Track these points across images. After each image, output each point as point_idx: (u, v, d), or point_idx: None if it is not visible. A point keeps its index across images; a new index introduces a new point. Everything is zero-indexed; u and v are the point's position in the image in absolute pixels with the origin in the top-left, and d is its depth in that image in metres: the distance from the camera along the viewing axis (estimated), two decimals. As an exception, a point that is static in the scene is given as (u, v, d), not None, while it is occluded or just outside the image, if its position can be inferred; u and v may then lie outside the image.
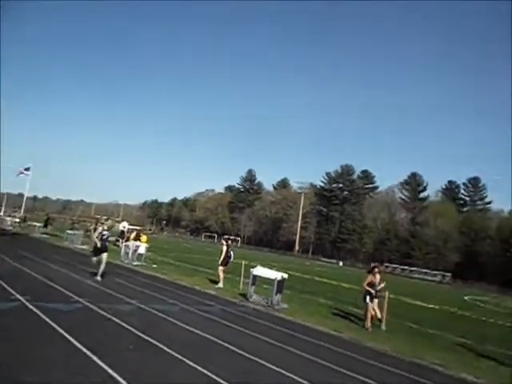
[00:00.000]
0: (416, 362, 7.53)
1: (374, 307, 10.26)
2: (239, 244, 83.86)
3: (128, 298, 9.25)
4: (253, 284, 11.69)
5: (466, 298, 31.36)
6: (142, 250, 18.39)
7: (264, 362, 5.82)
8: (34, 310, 6.90)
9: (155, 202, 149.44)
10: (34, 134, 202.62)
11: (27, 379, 4.11)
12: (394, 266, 72.28)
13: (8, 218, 35.60)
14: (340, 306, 13.02)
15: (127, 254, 18.04)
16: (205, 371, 5.01)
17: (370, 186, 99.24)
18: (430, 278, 65.91)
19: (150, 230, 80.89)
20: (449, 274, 68.09)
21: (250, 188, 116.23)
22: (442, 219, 77.92)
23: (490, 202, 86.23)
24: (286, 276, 11.76)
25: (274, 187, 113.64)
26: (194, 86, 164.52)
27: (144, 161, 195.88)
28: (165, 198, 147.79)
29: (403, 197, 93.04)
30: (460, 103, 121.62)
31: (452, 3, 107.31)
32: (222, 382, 4.76)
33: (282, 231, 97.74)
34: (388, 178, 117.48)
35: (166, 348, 5.71)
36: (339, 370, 6.14)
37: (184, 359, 5.34)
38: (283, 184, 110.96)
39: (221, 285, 13.31)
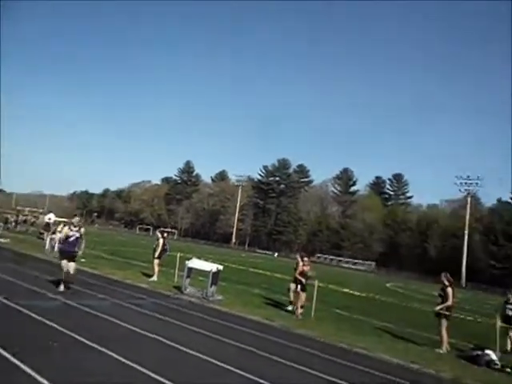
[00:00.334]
0: (342, 346, 8.07)
1: (302, 296, 10.78)
2: (176, 236, 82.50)
3: (52, 294, 8.77)
4: (188, 276, 11.66)
5: (387, 285, 33.95)
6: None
7: (194, 352, 5.88)
8: None
9: (85, 192, 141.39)
10: None
11: None
12: (325, 256, 75.83)
13: None
14: (273, 295, 13.45)
15: (53, 247, 17.01)
16: (133, 364, 4.96)
17: (305, 179, 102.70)
18: (357, 267, 70.20)
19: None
20: (373, 263, 73.13)
21: (187, 180, 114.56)
22: (369, 212, 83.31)
23: (411, 197, 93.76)
24: (221, 268, 11.89)
25: (213, 179, 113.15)
26: (132, 71, 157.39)
27: (72, 148, 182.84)
28: (96, 189, 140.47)
29: (335, 191, 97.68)
30: (389, 100, 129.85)
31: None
32: (148, 373, 4.76)
33: (220, 223, 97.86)
34: (322, 173, 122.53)
35: (94, 344, 5.54)
36: (270, 356, 6.40)
37: (113, 354, 5.23)
38: (221, 176, 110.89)
39: (155, 278, 13.10)
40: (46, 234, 21.33)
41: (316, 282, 11.04)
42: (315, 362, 6.58)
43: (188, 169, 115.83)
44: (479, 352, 8.52)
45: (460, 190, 72.47)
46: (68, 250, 9.58)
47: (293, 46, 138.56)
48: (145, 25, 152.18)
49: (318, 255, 74.85)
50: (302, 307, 10.68)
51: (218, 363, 5.57)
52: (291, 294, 11.34)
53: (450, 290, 9.09)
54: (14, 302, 7.32)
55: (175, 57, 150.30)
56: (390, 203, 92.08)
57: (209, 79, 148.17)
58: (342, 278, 32.97)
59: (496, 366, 8.14)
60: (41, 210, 67.19)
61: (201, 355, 5.80)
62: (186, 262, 11.80)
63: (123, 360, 5.08)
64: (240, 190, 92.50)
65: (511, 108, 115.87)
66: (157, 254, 13.56)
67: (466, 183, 70.91)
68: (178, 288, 11.73)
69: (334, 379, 5.76)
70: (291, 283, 11.54)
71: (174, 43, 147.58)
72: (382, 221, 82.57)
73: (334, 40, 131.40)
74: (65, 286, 9.31)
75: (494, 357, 8.35)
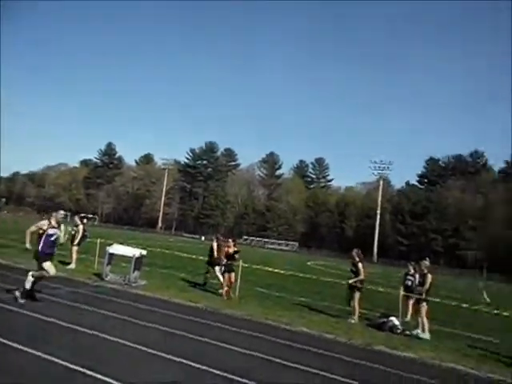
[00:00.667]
0: (266, 322, 8.45)
1: (231, 276, 11.02)
2: (97, 222, 78.32)
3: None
4: (109, 263, 11.22)
5: (308, 263, 35.92)
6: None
7: (115, 339, 5.77)
8: None
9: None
10: None
11: None
12: (252, 238, 77.58)
13: None
14: (198, 278, 13.53)
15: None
16: (46, 356, 4.74)
17: (233, 163, 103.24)
18: (281, 247, 72.97)
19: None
20: (296, 243, 76.58)
21: (109, 163, 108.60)
22: (293, 195, 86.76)
23: (331, 180, 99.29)
24: (144, 253, 11.62)
25: (137, 162, 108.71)
26: (41, 45, 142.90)
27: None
28: (2, 172, 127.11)
29: (262, 174, 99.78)
30: (312, 86, 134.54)
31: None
32: (62, 362, 4.61)
33: (145, 208, 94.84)
34: (249, 157, 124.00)
35: (4, 340, 5.17)
36: (194, 337, 6.50)
37: (23, 348, 4.93)
38: (147, 159, 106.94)
39: (73, 266, 12.41)
40: None
41: (240, 263, 11.33)
42: (241, 339, 6.82)
43: (110, 151, 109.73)
44: (385, 319, 9.50)
45: (373, 174, 78.42)
46: None
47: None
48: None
49: (245, 237, 76.39)
50: (229, 287, 10.90)
51: (142, 348, 5.53)
52: (219, 276, 11.55)
53: (360, 265, 9.92)
54: None
55: (86, 32, 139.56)
56: (312, 186, 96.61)
57: (132, 54, 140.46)
58: (266, 258, 34.09)
59: (398, 331, 9.15)
60: None
61: (123, 341, 5.71)
62: (107, 247, 11.34)
63: (34, 352, 4.82)
64: (166, 174, 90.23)
65: (422, 97, 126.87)
66: (76, 241, 12.87)
67: (378, 167, 76.81)
68: (99, 275, 11.27)
69: (258, 354, 6.05)
70: (215, 266, 11.77)
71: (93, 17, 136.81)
72: (305, 203, 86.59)
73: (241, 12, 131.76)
74: None
75: (396, 322, 9.37)
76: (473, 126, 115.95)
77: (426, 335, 9.03)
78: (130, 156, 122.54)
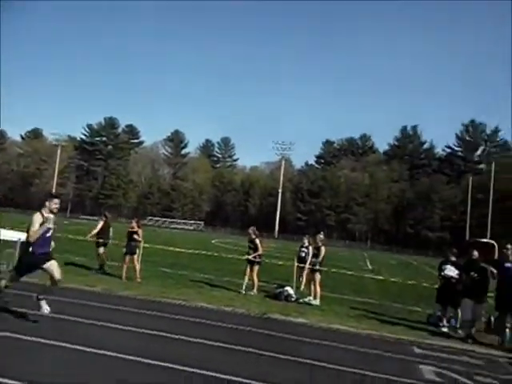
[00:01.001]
0: (164, 300, 8.46)
1: (133, 258, 10.73)
2: (-27, 204, 68.61)
3: None
4: (-12, 249, 10.05)
5: (213, 241, 36.47)
6: None
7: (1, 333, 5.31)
8: None
9: None
10: None
11: None
12: (157, 218, 75.76)
13: None
14: (94, 262, 12.87)
15: None
16: None
17: (136, 141, 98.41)
18: (187, 227, 72.68)
19: None
20: (202, 223, 76.97)
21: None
22: (199, 174, 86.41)
23: (237, 159, 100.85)
24: (31, 237, 10.64)
25: (23, 137, 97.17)
26: None
27: None
28: None
29: (166, 153, 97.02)
30: (215, 68, 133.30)
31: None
32: None
33: (35, 188, 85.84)
34: (153, 134, 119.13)
35: None
36: (92, 322, 6.26)
37: None
38: (35, 134, 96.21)
39: None
40: None
41: (142, 244, 11.08)
42: (133, 318, 6.75)
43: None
44: (281, 289, 10.23)
45: (276, 154, 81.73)
46: None
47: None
48: None
49: (150, 218, 74.21)
50: (127, 269, 10.60)
51: (33, 339, 5.16)
52: (102, 256, 11.41)
53: (257, 240, 10.48)
54: None
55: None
56: (218, 165, 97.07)
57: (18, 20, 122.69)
58: (171, 238, 33.73)
59: (292, 299, 9.95)
60: None
61: (10, 334, 5.26)
62: (-15, 232, 10.13)
63: None
64: (59, 151, 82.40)
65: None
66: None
67: (281, 148, 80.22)
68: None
69: (147, 331, 6.06)
70: (100, 247, 11.54)
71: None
72: (211, 182, 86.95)
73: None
74: None
75: (291, 292, 10.16)
76: (363, 110, 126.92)
77: (317, 301, 9.96)
78: (15, 131, 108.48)
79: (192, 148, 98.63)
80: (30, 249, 5.87)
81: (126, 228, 11.70)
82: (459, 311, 8.62)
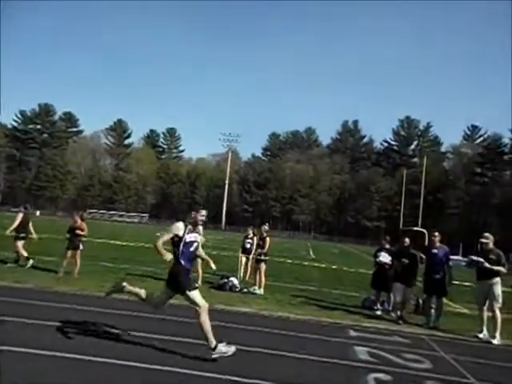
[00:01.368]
0: (99, 294, 8.04)
1: (75, 253, 10.20)
2: None
3: None
4: None
5: (157, 234, 35.65)
6: None
7: None
8: None
9: None
10: None
11: None
12: (98, 211, 72.58)
13: None
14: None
15: None
16: None
17: (74, 129, 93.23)
18: (131, 219, 70.45)
19: None
20: (147, 215, 75.02)
21: None
22: (143, 165, 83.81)
23: (183, 151, 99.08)
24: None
25: None
26: None
27: None
28: None
29: (108, 143, 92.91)
30: (166, 49, 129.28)
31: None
32: None
33: (-43, 179, 78.47)
34: (94, 123, 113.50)
35: None
36: (18, 320, 5.90)
37: None
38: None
39: None
40: None
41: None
42: (65, 314, 6.46)
43: None
44: (225, 280, 10.30)
45: (223, 146, 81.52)
46: None
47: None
48: None
49: (90, 211, 70.85)
50: (78, 266, 10.15)
51: None
52: (21, 251, 10.80)
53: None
54: None
55: None
56: (163, 156, 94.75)
57: None
58: (113, 231, 32.51)
59: (237, 289, 10.06)
60: None
61: None
62: None
63: None
64: (-15, 138, 75.80)
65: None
66: None
67: (228, 139, 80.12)
68: None
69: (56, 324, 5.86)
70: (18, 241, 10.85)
71: None
72: (156, 173, 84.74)
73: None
74: None
75: (236, 282, 10.26)
76: (308, 104, 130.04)
77: (261, 291, 10.16)
78: None
79: (136, 138, 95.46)
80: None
81: (63, 222, 11.11)
82: (391, 295, 9.22)
